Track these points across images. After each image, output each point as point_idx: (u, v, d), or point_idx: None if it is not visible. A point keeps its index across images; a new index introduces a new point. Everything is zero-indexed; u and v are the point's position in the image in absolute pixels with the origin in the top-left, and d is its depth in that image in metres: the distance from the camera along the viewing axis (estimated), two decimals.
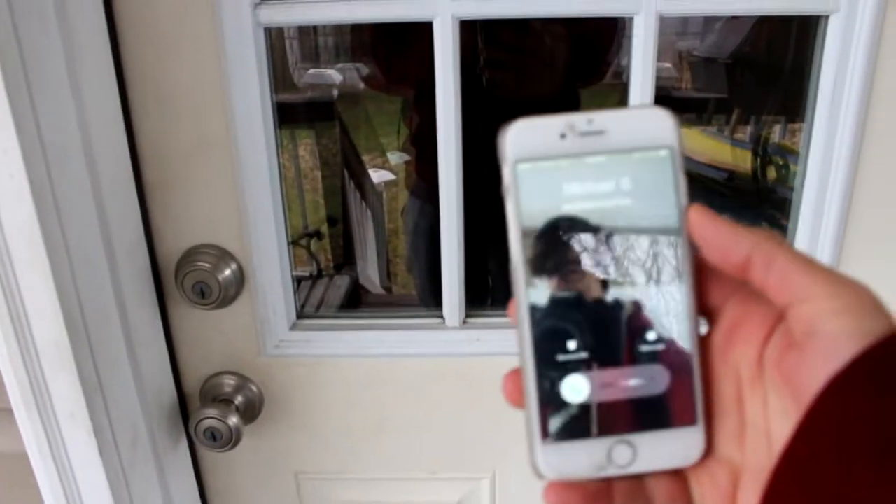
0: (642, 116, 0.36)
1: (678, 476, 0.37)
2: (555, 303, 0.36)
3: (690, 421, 0.36)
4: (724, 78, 2.85)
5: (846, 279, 0.32)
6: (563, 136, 0.35)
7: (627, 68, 0.86)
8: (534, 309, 0.36)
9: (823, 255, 0.90)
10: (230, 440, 0.92)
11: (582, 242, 0.36)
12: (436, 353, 0.98)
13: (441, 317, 0.98)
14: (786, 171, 2.34)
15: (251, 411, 0.99)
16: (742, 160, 2.51)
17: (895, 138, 0.85)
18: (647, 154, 0.36)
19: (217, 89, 0.83)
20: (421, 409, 1.02)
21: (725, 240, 0.35)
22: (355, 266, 2.55)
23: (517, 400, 0.37)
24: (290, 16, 0.84)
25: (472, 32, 0.82)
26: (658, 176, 0.36)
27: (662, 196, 0.36)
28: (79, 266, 0.77)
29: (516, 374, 0.37)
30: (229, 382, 0.98)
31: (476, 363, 0.97)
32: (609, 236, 0.36)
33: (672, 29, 2.88)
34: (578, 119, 0.35)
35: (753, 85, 2.81)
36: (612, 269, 0.36)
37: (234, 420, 0.92)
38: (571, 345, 0.36)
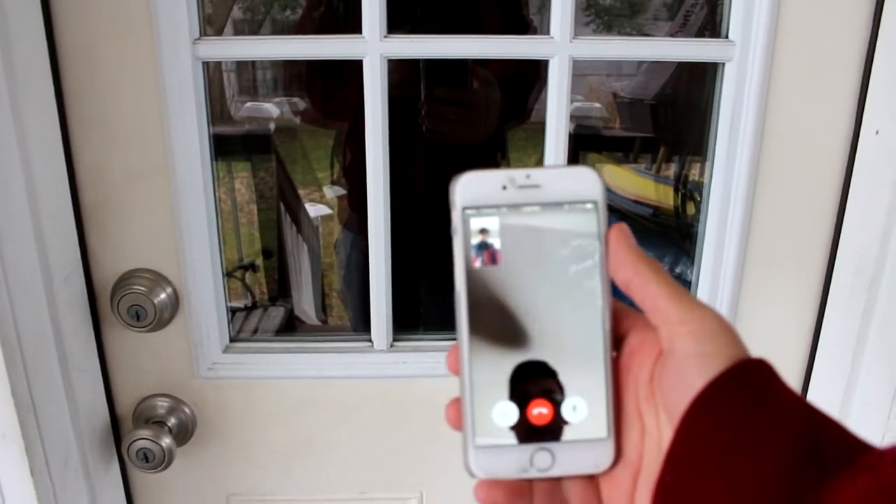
0: (573, 174, 0.42)
1: (591, 479, 0.42)
2: (492, 331, 0.41)
3: (603, 434, 0.42)
4: (650, 118, 2.98)
5: (699, 306, 0.39)
6: (504, 187, 0.41)
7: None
8: (473, 336, 0.41)
9: (725, 279, 0.98)
10: (163, 461, 0.94)
11: (519, 279, 0.41)
12: (364, 375, 1.01)
13: (370, 340, 1.02)
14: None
15: (184, 433, 1.01)
16: (665, 197, 2.62)
17: (786, 173, 0.94)
18: (576, 206, 0.41)
19: (156, 119, 0.87)
20: (350, 430, 1.05)
21: (617, 260, 0.41)
22: (290, 298, 2.56)
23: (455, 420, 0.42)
24: (227, 51, 0.88)
25: (416, 85, 0.87)
26: (584, 225, 0.41)
27: (587, 241, 0.41)
28: (15, 287, 0.78)
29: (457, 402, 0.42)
30: (162, 404, 1.00)
31: (403, 385, 1.02)
32: (542, 274, 0.41)
33: (605, 70, 2.99)
34: (518, 174, 0.41)
35: (676, 125, 2.94)
36: (542, 303, 0.41)
37: (167, 441, 0.94)
38: (505, 370, 0.41)
